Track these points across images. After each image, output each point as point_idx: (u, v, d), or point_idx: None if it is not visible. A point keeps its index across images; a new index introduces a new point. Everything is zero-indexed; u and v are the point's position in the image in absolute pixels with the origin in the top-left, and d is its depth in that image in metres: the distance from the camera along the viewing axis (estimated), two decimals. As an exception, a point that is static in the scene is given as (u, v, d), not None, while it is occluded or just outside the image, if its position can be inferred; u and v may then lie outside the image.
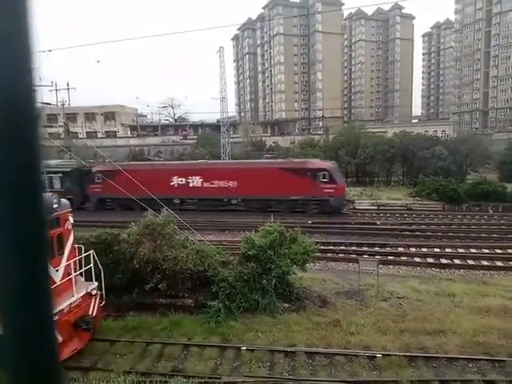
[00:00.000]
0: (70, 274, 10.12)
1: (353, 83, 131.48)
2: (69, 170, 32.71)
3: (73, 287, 10.07)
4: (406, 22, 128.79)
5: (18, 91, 0.84)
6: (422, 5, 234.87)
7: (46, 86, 32.20)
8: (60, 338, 8.75)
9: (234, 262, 13.34)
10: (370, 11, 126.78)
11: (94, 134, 79.93)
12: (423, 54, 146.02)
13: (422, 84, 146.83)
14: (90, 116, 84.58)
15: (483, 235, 22.40)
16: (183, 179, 31.01)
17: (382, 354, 10.07)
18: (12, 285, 0.85)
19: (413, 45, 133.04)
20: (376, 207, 31.13)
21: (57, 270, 9.83)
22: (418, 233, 23.48)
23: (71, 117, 78.22)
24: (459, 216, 27.17)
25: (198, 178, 30.83)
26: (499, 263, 17.91)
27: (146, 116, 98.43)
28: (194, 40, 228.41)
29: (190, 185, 30.94)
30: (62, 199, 10.51)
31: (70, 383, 8.91)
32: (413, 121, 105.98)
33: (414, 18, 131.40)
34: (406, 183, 43.79)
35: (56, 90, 59.97)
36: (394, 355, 9.97)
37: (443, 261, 18.34)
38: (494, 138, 58.82)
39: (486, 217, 26.87)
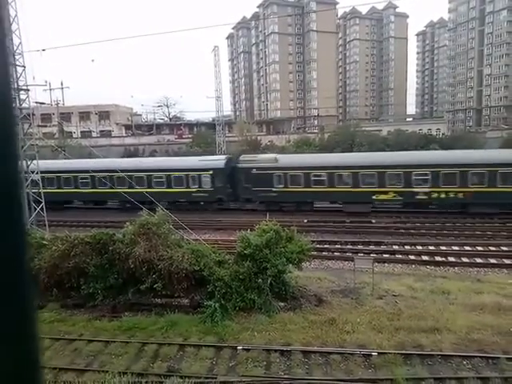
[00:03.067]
0: None
1: (348, 82, 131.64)
2: None
3: None
4: (400, 21, 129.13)
5: None
6: (416, 4, 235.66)
7: (39, 86, 31.85)
8: None
9: (229, 261, 13.33)
10: (364, 10, 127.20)
11: (89, 133, 79.39)
12: (417, 53, 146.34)
13: (417, 83, 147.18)
14: (84, 115, 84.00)
15: (477, 233, 22.55)
16: None
17: (378, 352, 10.11)
18: None
19: (407, 44, 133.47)
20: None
21: None
22: (412, 231, 23.59)
23: (65, 116, 77.72)
24: (453, 214, 27.28)
25: None
26: (493, 260, 18.04)
27: (140, 115, 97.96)
28: (189, 39, 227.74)
29: None
30: None
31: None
32: (407, 119, 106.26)
33: (407, 16, 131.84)
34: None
35: (50, 90, 59.69)
36: (390, 353, 10.03)
37: (438, 258, 18.46)
38: (488, 136, 59.12)
39: (480, 214, 26.98)
